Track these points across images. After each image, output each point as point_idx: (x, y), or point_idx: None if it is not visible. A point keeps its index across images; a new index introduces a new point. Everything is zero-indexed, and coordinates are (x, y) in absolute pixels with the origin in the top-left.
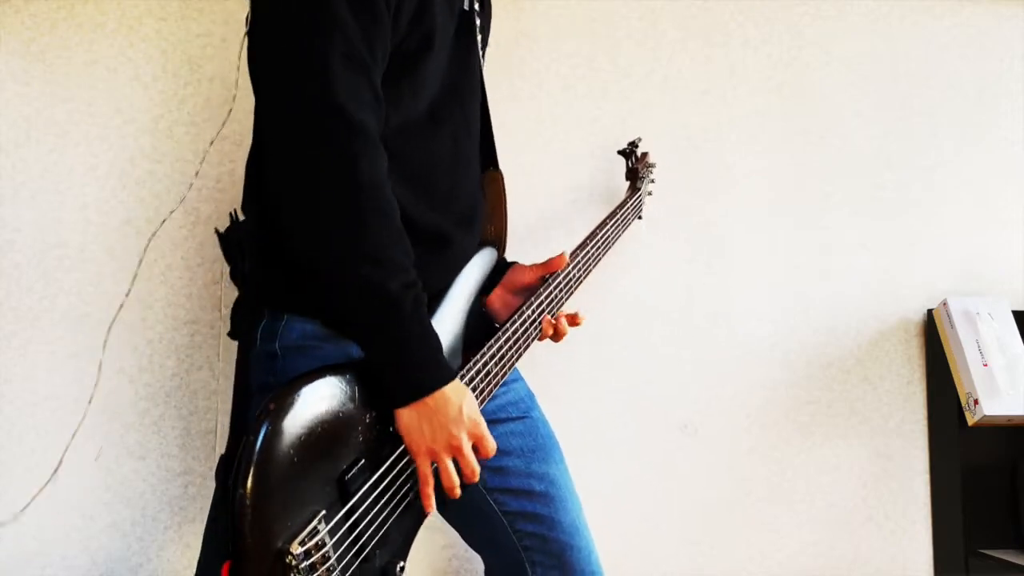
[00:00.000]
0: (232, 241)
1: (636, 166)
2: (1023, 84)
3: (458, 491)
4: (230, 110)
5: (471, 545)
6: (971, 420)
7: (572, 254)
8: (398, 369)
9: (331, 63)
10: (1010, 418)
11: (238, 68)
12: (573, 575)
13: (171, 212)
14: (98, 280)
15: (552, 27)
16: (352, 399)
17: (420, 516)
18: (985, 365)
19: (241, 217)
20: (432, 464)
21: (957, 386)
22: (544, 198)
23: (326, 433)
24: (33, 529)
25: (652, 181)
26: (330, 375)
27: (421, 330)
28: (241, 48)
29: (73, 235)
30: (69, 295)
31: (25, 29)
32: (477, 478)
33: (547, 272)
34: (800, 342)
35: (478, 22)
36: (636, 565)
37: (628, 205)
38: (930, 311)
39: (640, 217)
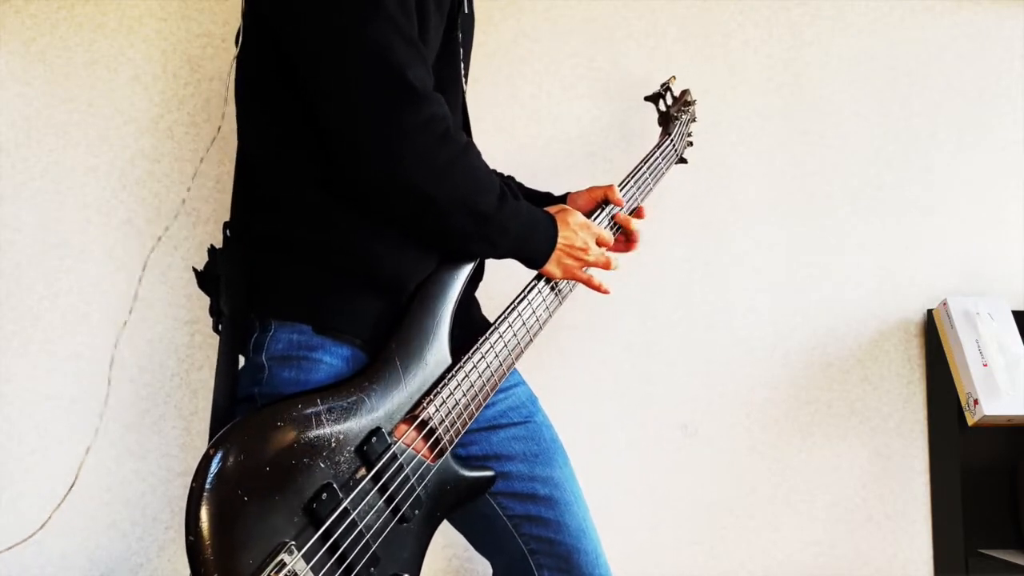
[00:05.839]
0: (210, 277)
1: (669, 109)
2: (1023, 84)
3: (613, 265)
4: (223, 114)
5: (479, 551)
6: (971, 420)
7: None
8: (522, 250)
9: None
10: (1010, 418)
11: (234, 60)
12: None
13: (171, 212)
14: (98, 280)
15: (552, 27)
16: (310, 427)
17: (428, 527)
18: (985, 365)
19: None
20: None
21: (957, 386)
22: None
23: (279, 466)
24: (32, 528)
25: (694, 120)
26: (279, 410)
27: (517, 219)
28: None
29: (74, 235)
30: (69, 295)
31: (25, 29)
32: (611, 251)
33: (603, 196)
34: (800, 342)
35: (460, 37)
36: (637, 565)
37: (657, 155)
38: (930, 311)
39: (685, 161)
